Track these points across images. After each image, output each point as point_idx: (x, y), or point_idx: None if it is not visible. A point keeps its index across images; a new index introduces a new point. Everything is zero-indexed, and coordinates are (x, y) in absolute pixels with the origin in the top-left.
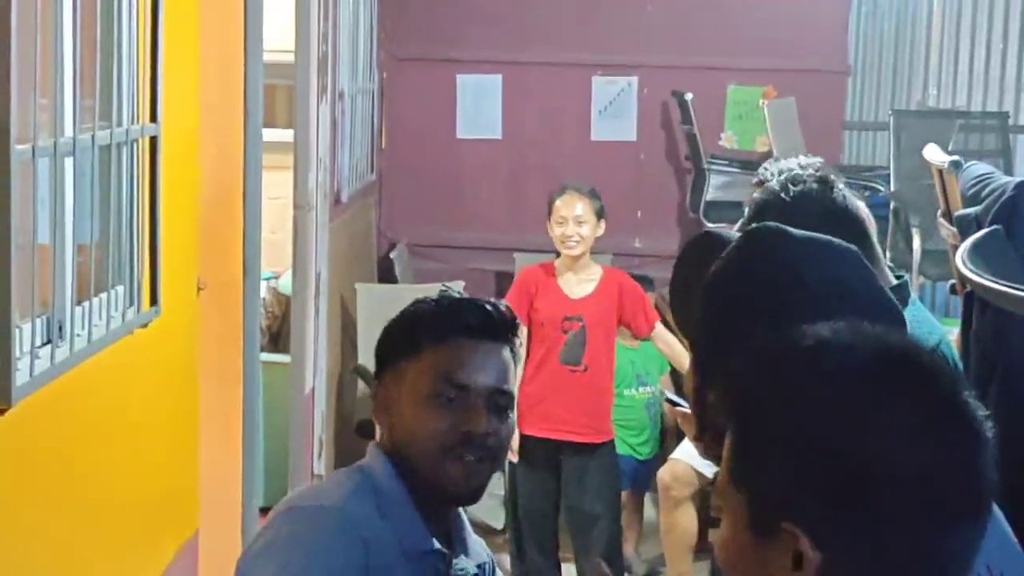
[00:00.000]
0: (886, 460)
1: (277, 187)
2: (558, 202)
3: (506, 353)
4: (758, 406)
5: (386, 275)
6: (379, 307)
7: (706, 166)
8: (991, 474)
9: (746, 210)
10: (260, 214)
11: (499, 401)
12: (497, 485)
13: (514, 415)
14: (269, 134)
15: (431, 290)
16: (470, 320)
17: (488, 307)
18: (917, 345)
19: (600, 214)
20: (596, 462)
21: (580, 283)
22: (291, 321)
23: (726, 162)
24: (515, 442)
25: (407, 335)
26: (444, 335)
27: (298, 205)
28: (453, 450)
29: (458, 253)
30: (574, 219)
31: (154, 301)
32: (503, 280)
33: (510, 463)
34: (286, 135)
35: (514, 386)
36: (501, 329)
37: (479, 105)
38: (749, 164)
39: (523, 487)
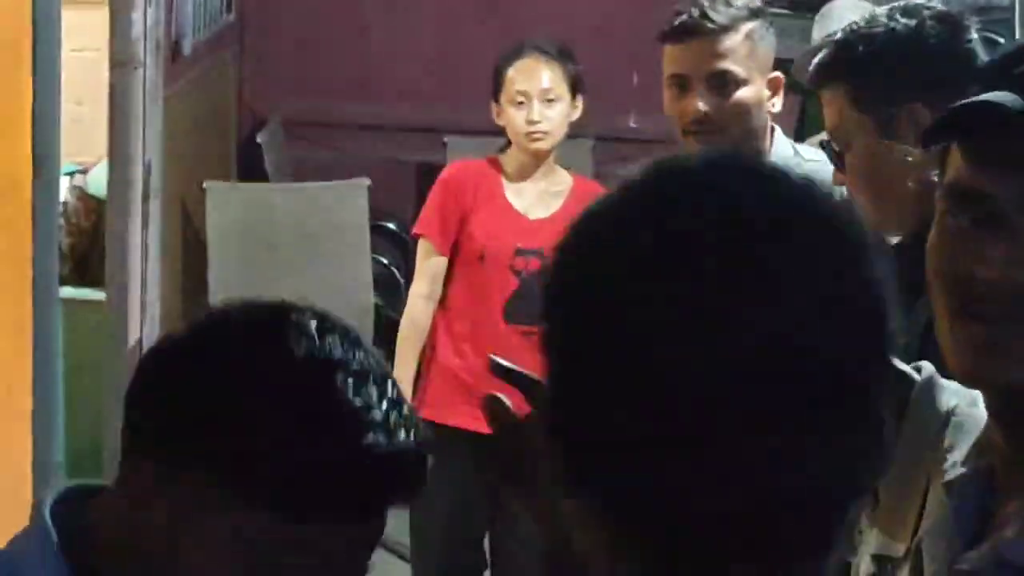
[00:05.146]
0: None
1: (84, 33)
2: (512, 71)
3: None
4: None
5: (251, 168)
6: (240, 216)
7: None
8: None
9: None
10: (58, 75)
11: None
12: None
13: None
14: None
15: (319, 191)
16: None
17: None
18: None
19: (577, 86)
20: None
21: (541, 197)
22: (106, 239)
23: None
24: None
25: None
26: None
27: (117, 61)
28: None
29: (360, 136)
30: (540, 95)
31: None
32: (429, 177)
33: None
34: None
35: None
36: None
37: None
38: (806, 3)
39: (438, 504)
